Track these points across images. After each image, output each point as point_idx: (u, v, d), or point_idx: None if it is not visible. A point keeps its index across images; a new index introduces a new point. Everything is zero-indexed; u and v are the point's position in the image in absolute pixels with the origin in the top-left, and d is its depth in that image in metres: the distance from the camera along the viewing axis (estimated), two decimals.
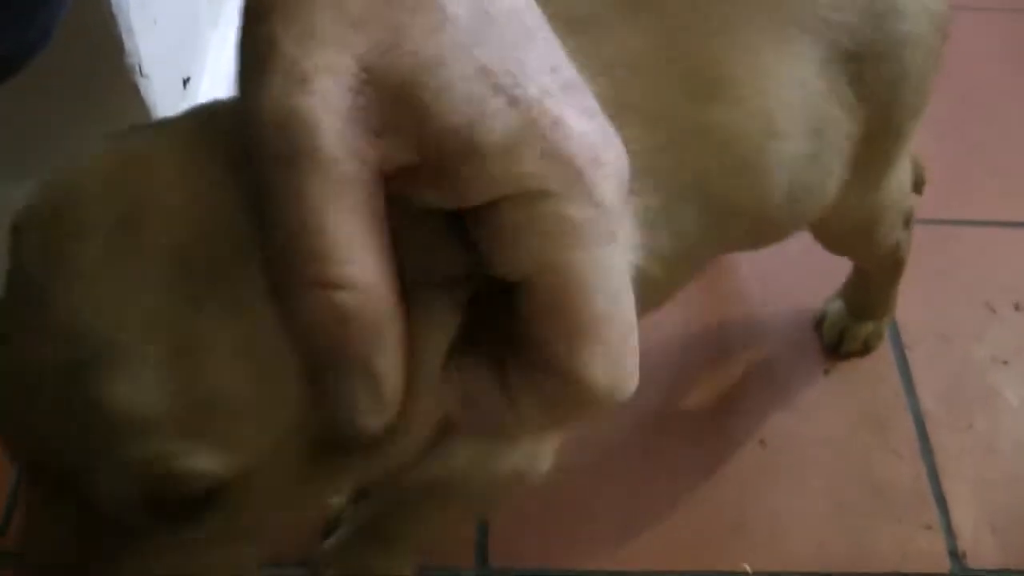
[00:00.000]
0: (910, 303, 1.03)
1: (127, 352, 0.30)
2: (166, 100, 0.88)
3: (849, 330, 1.00)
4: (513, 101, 0.29)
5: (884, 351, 1.01)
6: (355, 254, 0.28)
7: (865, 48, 0.66)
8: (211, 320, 0.30)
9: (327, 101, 0.28)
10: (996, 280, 1.07)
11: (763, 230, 0.72)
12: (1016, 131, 1.23)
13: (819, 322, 1.02)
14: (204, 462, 0.31)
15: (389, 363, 0.29)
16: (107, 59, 0.81)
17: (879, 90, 0.68)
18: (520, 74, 0.30)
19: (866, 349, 1.00)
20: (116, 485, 0.32)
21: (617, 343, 0.29)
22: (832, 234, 0.84)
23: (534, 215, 0.29)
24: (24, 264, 0.33)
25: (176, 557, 0.35)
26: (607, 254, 0.29)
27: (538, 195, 0.29)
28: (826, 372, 0.99)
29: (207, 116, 0.36)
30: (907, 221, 0.90)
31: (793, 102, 0.64)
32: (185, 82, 0.93)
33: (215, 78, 1.00)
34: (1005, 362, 1.00)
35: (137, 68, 0.83)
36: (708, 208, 0.62)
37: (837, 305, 1.01)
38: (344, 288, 0.28)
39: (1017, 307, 1.04)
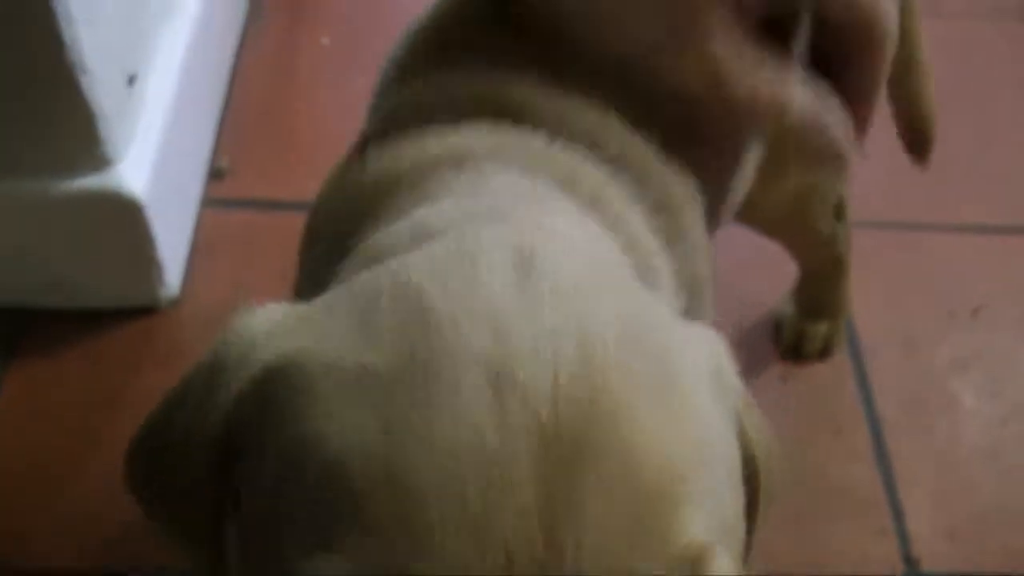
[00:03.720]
0: (868, 308, 1.02)
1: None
2: (110, 98, 0.86)
3: (806, 332, 0.99)
4: None
5: (842, 356, 1.00)
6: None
7: None
8: None
9: None
10: (955, 285, 1.06)
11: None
12: (977, 134, 1.22)
13: (776, 326, 1.01)
14: None
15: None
16: (45, 53, 0.79)
17: None
18: None
19: (826, 351, 0.99)
20: None
21: None
22: (765, 220, 0.83)
23: None
24: None
25: None
26: None
27: None
28: (783, 379, 0.98)
29: None
30: (839, 213, 0.89)
31: None
32: (131, 80, 0.91)
33: (164, 76, 0.98)
34: (964, 368, 0.99)
35: (78, 63, 0.81)
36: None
37: (791, 307, 1.00)
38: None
39: (976, 313, 1.03)
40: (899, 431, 0.95)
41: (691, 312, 0.52)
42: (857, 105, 0.54)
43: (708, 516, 0.32)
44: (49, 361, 0.95)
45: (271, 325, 0.36)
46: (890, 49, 0.53)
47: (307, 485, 0.31)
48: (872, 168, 0.88)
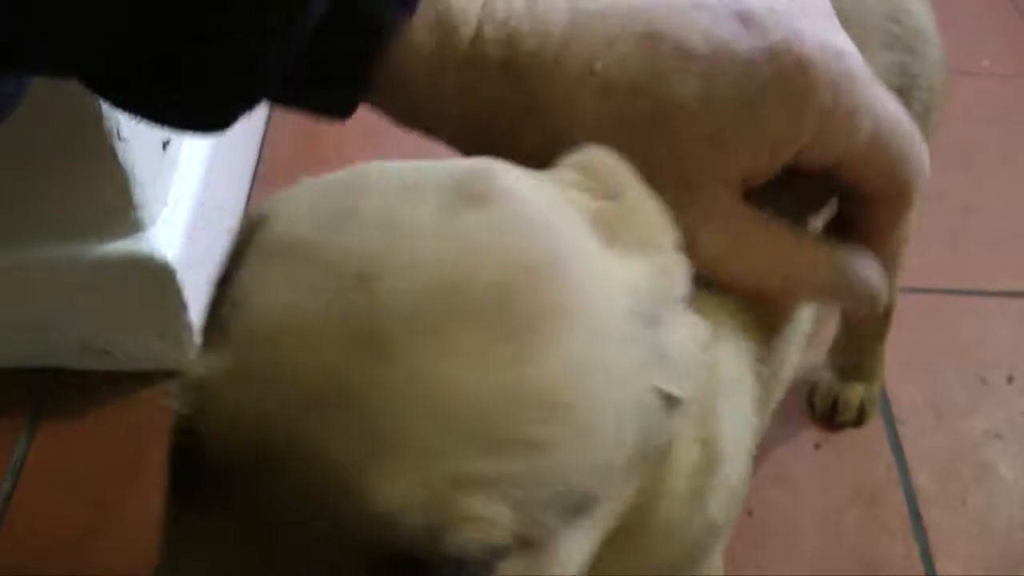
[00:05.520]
0: (901, 375, 1.01)
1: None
2: (144, 164, 0.87)
3: (842, 396, 0.98)
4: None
5: (876, 425, 0.99)
6: None
7: (911, 86, 0.66)
8: None
9: None
10: (988, 351, 1.05)
11: None
12: (1008, 198, 1.22)
13: (810, 393, 1.01)
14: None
15: None
16: (85, 123, 0.80)
17: (916, 115, 0.68)
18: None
19: (861, 417, 0.99)
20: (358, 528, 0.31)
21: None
22: None
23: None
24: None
25: None
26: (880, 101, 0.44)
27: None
28: (817, 446, 0.97)
29: None
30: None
31: None
32: (165, 145, 0.92)
33: (197, 141, 0.98)
34: (999, 436, 0.98)
35: (115, 132, 0.81)
36: None
37: (827, 374, 1.00)
38: None
39: (1010, 379, 1.02)
40: (934, 502, 0.93)
41: None
42: (879, 243, 0.47)
43: (487, 470, 0.31)
44: (77, 424, 0.95)
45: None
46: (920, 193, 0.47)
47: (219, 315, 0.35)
48: None
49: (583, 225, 0.38)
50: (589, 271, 0.36)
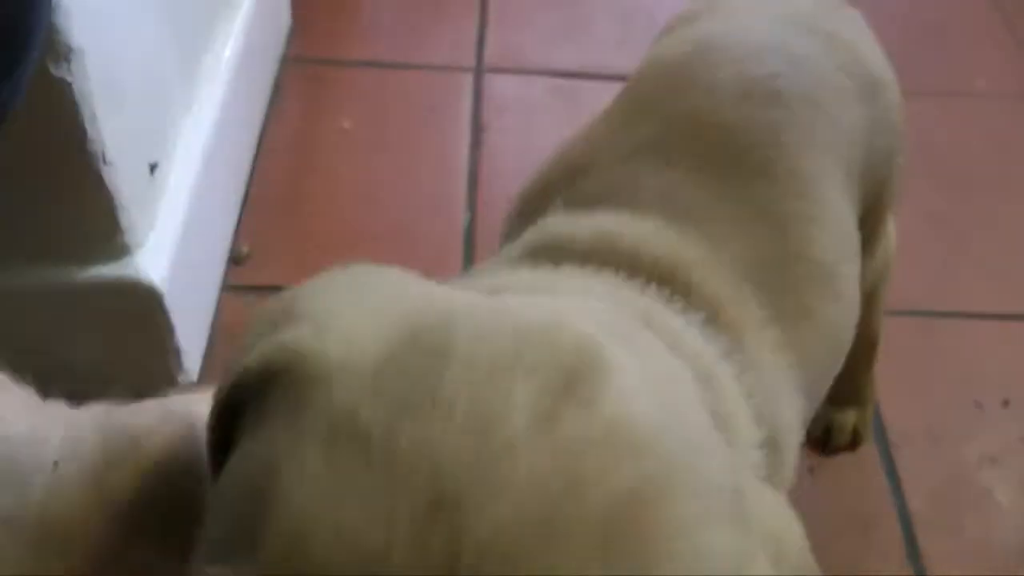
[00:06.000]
0: (896, 399, 1.00)
1: None
2: (130, 188, 0.86)
3: (835, 421, 0.98)
4: None
5: (870, 449, 0.98)
6: None
7: (873, 134, 0.67)
8: None
9: None
10: (984, 375, 1.04)
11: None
12: (1003, 221, 1.21)
13: None
14: None
15: None
16: (69, 148, 0.79)
17: (881, 162, 0.68)
18: None
19: (855, 442, 0.98)
20: None
21: None
22: None
23: None
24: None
25: None
26: None
27: None
28: (811, 470, 0.96)
29: None
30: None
31: (842, 221, 0.64)
32: (152, 168, 0.91)
33: (186, 163, 0.97)
34: (994, 461, 0.97)
35: (100, 156, 0.80)
36: (824, 347, 0.62)
37: None
38: None
39: (1005, 403, 1.02)
40: (930, 528, 0.92)
41: (769, 467, 0.49)
42: None
43: None
44: None
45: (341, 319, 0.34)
46: None
47: (245, 496, 0.31)
48: (898, 256, 0.87)
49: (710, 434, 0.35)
50: (707, 509, 0.31)
